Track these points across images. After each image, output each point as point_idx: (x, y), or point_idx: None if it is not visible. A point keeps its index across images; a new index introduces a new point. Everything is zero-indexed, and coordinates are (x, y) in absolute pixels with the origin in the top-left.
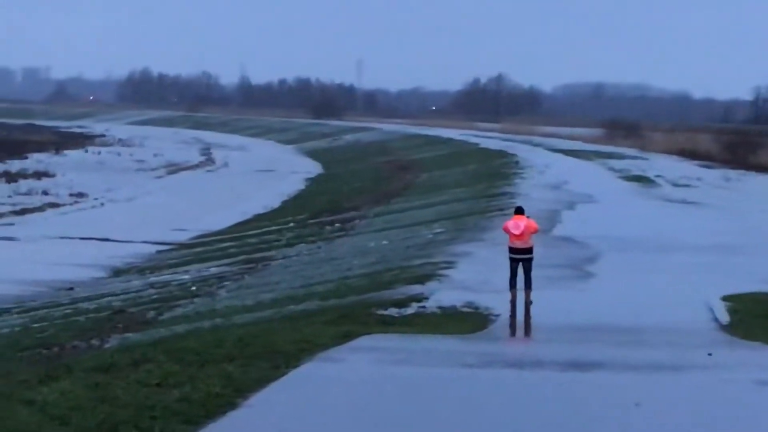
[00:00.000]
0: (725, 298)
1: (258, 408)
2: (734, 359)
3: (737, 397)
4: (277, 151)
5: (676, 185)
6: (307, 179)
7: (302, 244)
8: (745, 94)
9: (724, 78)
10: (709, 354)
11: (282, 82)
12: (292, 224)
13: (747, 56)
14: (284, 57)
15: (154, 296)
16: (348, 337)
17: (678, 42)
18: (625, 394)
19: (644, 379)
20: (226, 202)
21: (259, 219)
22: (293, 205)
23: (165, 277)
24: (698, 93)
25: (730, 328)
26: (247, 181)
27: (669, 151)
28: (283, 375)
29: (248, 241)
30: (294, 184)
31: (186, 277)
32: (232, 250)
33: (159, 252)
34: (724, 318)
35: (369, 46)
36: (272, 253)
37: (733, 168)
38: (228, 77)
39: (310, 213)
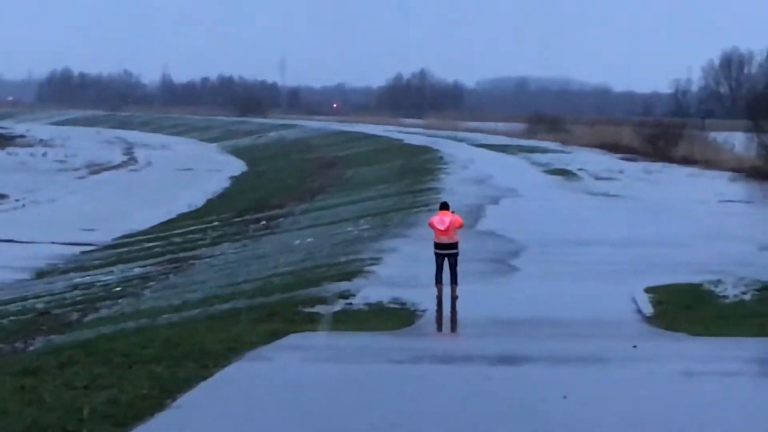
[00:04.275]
0: (648, 290)
1: (186, 408)
2: (659, 350)
3: (663, 388)
4: (201, 149)
5: (598, 178)
6: (232, 177)
7: (228, 243)
8: (665, 87)
9: (643, 71)
10: (634, 346)
11: (205, 80)
12: (217, 223)
13: (666, 50)
14: (206, 55)
15: (79, 298)
16: (276, 335)
17: (598, 36)
18: (553, 387)
19: (571, 371)
20: (150, 201)
21: (183, 218)
22: (218, 203)
23: (89, 278)
24: (618, 86)
25: (654, 320)
26: (171, 180)
27: (591, 145)
28: (211, 375)
29: (173, 240)
30: (218, 183)
31: (110, 277)
32: (156, 250)
33: (83, 253)
34: (648, 310)
35: (292, 43)
36: (197, 252)
37: (654, 160)
38: (150, 76)
39: (235, 211)
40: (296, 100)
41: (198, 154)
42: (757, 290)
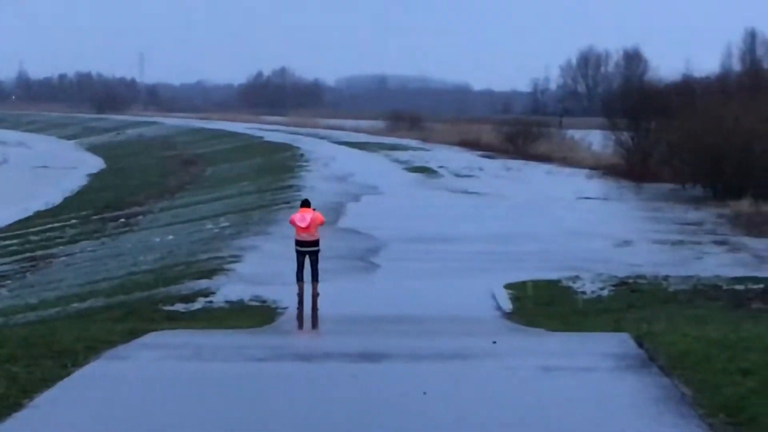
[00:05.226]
0: (508, 286)
1: (44, 408)
2: (518, 346)
3: (522, 383)
4: (59, 146)
5: (458, 175)
6: (90, 175)
7: (86, 241)
8: (524, 86)
9: (503, 70)
10: (494, 342)
11: (62, 76)
12: (75, 221)
13: (525, 49)
14: (64, 51)
15: None
16: (135, 334)
17: (457, 34)
18: (414, 383)
19: (431, 368)
20: (6, 199)
21: (40, 216)
22: (76, 201)
23: None
24: (478, 85)
25: (513, 316)
26: (27, 177)
27: (451, 142)
28: (69, 374)
29: (30, 238)
30: (76, 180)
31: None
32: (13, 248)
33: None
34: (507, 306)
35: (151, 39)
36: (55, 250)
37: (513, 158)
38: (5, 72)
39: (93, 209)
40: (155, 97)
41: (56, 151)
42: (614, 286)
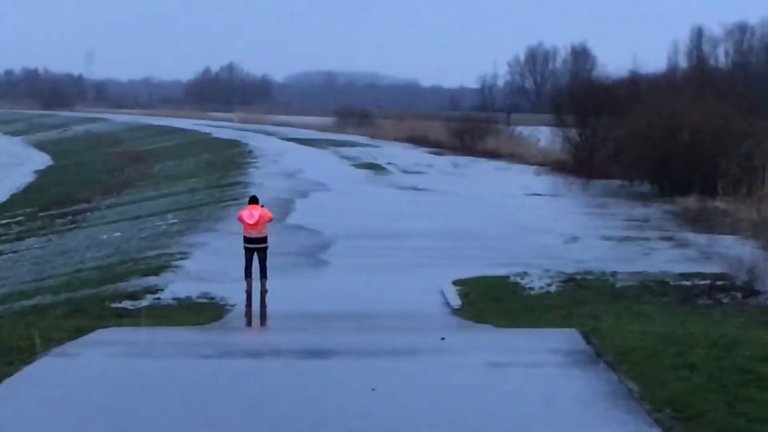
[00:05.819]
0: (456, 283)
1: None
2: (466, 342)
3: (470, 379)
4: (5, 143)
5: (406, 172)
6: (37, 171)
7: (33, 238)
8: (472, 82)
9: (451, 66)
10: (442, 338)
11: (8, 72)
12: (21, 218)
13: (473, 45)
14: (10, 47)
15: None
16: (82, 331)
17: (406, 31)
18: (362, 379)
19: (380, 364)
20: None
21: None
22: (22, 198)
23: None
24: (426, 81)
25: (461, 312)
26: None
27: (399, 139)
28: (16, 371)
29: None
30: (23, 177)
31: None
32: None
33: None
34: (456, 302)
35: (98, 35)
36: (1, 247)
37: (461, 154)
38: None
39: (40, 206)
40: (103, 94)
41: (1, 147)
42: (562, 282)
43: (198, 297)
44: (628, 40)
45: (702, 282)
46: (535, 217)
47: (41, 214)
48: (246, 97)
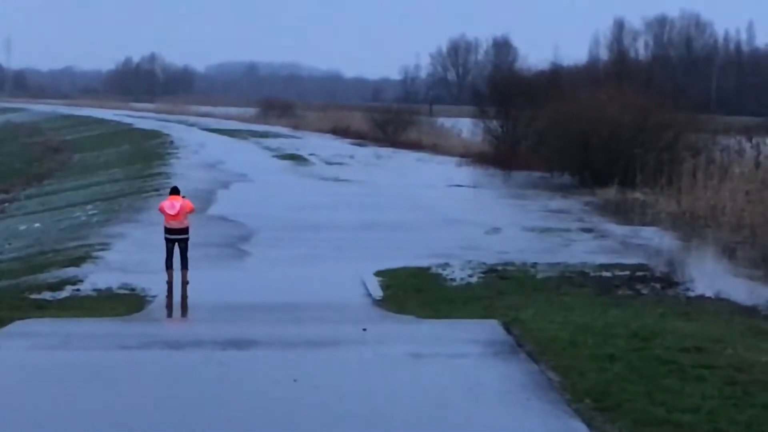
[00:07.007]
0: (378, 274)
1: None
2: (388, 333)
3: (392, 370)
4: None
5: (329, 163)
6: None
7: None
8: (395, 74)
9: (373, 58)
10: (364, 329)
11: None
12: None
13: (396, 37)
14: None
15: None
16: (1, 322)
17: (328, 21)
18: (284, 370)
19: (301, 355)
20: None
21: None
22: None
23: None
24: (349, 72)
25: (383, 303)
26: None
27: (322, 130)
28: None
29: None
30: None
31: None
32: None
33: None
34: (378, 293)
35: (17, 23)
36: None
37: (384, 145)
38: None
39: None
40: (23, 83)
41: None
42: (483, 273)
43: (118, 288)
44: (551, 32)
45: (621, 273)
46: (456, 208)
47: None
48: (168, 88)
